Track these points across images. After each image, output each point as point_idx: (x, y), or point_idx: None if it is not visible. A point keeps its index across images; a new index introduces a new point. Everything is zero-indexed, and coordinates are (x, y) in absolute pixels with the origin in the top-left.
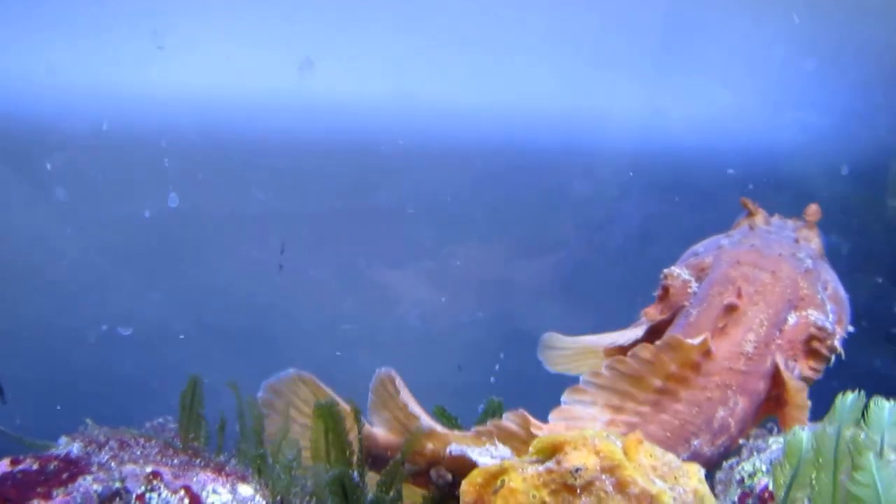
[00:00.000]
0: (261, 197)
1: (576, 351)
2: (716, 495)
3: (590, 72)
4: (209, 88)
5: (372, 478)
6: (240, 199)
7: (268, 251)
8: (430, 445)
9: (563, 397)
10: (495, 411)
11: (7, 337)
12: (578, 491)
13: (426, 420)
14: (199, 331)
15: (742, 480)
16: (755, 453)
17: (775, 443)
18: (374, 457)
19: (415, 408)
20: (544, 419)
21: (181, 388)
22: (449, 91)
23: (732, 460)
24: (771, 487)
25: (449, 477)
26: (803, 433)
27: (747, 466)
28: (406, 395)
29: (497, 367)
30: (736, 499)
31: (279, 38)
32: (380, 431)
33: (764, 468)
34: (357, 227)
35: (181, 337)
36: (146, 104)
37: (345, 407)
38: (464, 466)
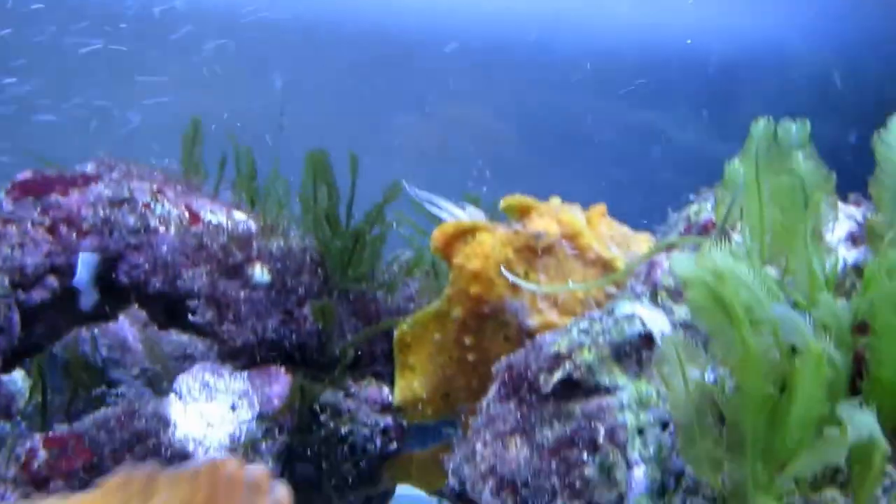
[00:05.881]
0: None
1: None
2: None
3: None
4: None
5: None
6: None
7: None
8: None
9: None
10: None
11: None
12: (540, 253)
13: None
14: None
15: (688, 217)
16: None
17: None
18: None
19: None
20: None
21: None
22: None
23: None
24: (714, 218)
25: None
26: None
27: (694, 207)
28: None
29: None
30: (682, 228)
31: None
32: None
33: (709, 206)
34: None
35: None
36: None
37: None
38: None
